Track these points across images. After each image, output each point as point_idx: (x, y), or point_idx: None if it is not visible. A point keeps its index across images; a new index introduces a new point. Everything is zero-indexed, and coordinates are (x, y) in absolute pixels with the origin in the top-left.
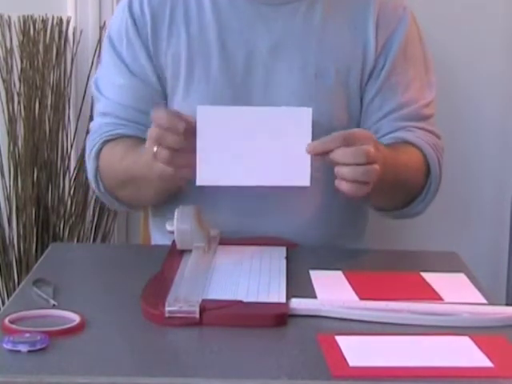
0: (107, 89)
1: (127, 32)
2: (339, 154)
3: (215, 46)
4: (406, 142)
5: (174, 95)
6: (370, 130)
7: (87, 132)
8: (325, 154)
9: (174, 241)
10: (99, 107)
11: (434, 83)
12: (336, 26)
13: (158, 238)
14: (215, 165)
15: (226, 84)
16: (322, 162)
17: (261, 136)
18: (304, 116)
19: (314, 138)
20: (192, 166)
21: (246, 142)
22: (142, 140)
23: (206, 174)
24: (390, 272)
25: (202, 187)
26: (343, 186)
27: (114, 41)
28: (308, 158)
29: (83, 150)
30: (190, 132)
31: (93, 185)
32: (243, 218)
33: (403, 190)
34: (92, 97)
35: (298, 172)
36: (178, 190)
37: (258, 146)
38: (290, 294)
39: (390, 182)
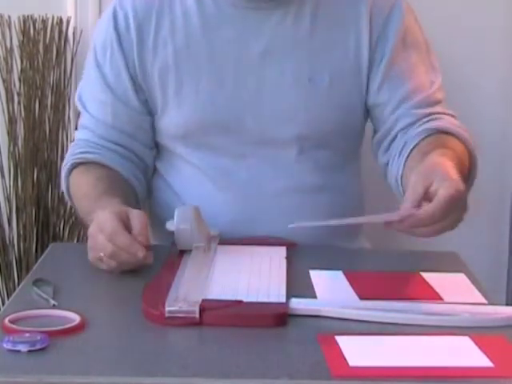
0: (89, 103)
1: (111, 46)
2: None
3: (204, 56)
4: (442, 132)
5: (164, 106)
6: (388, 121)
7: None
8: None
9: (173, 241)
10: (82, 120)
11: (438, 66)
12: (326, 26)
13: (157, 238)
14: None
15: (216, 93)
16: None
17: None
18: None
19: (302, 144)
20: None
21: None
22: (109, 172)
23: None
24: (389, 272)
25: (201, 187)
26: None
27: (97, 54)
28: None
29: None
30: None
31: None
32: (243, 218)
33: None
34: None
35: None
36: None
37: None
38: (289, 294)
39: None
